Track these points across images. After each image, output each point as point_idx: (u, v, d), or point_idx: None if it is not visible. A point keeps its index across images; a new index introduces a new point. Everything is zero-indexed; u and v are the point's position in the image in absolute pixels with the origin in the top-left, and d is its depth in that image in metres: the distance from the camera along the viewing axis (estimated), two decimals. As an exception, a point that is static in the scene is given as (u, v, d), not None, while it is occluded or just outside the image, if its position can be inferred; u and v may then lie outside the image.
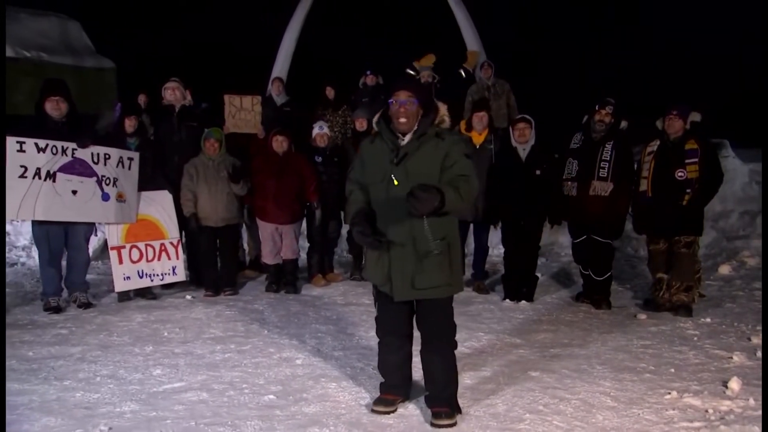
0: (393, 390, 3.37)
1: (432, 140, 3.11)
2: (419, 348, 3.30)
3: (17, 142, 4.89)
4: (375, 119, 3.25)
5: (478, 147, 5.80)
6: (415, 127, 3.12)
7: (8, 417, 3.22)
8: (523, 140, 5.49)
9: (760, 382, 3.68)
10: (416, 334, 3.34)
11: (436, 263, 3.10)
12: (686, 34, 12.06)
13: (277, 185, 5.84)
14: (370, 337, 4.54)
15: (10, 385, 3.63)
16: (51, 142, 5.01)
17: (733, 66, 12.15)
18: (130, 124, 5.67)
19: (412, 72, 8.29)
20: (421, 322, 3.25)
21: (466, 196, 3.00)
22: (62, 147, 5.07)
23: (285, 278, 6.03)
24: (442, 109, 3.19)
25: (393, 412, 3.32)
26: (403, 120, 3.09)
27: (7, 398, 3.44)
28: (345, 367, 3.98)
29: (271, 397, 3.51)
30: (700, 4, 11.98)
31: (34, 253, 6.21)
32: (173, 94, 6.02)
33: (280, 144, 5.94)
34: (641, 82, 12.19)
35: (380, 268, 3.18)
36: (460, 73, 8.60)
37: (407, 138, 3.12)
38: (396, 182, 3.08)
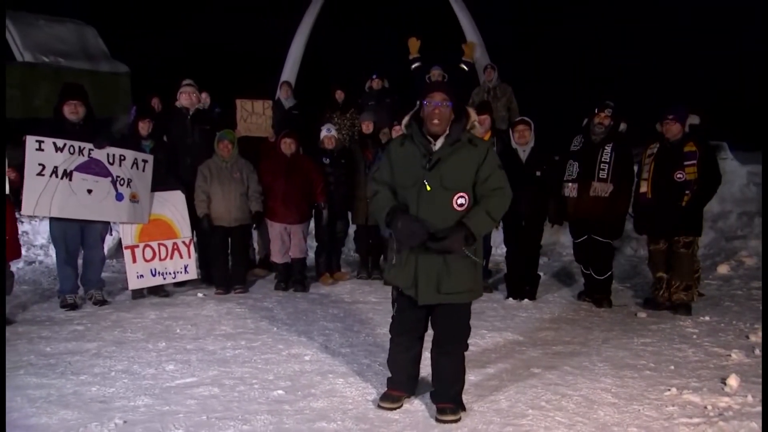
0: (399, 386, 3.37)
1: (465, 147, 3.05)
2: (428, 345, 3.30)
3: (36, 141, 4.93)
4: (405, 121, 3.16)
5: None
6: (447, 132, 3.06)
7: (27, 410, 3.26)
8: (523, 142, 5.47)
9: (758, 379, 3.66)
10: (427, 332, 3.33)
11: (463, 268, 3.07)
12: (686, 36, 11.99)
13: (286, 186, 5.85)
14: (376, 334, 4.55)
15: (29, 379, 3.67)
16: (69, 142, 5.04)
17: (733, 68, 12.07)
18: (143, 127, 5.68)
19: (417, 64, 8.22)
20: (438, 323, 3.22)
21: (496, 213, 3.05)
22: (79, 147, 5.10)
23: (293, 277, 6.04)
24: (473, 114, 3.13)
25: (399, 407, 3.32)
26: (436, 121, 3.02)
27: (26, 392, 3.48)
28: (352, 363, 3.98)
29: (280, 392, 3.52)
30: (699, 6, 11.91)
31: (52, 251, 6.24)
32: (188, 98, 6.03)
33: (288, 146, 5.95)
34: (641, 84, 12.13)
35: (406, 272, 3.13)
36: (463, 68, 8.53)
37: (439, 143, 3.06)
38: (428, 188, 3.01)
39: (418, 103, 3.14)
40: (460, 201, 3.03)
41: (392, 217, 3.06)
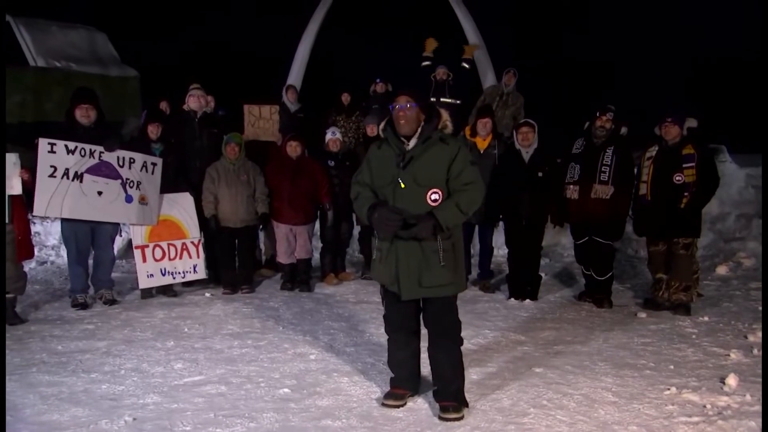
0: (402, 384, 3.37)
1: (437, 144, 3.13)
2: (427, 344, 3.30)
3: (48, 143, 4.95)
4: (381, 126, 3.26)
5: (482, 152, 5.80)
6: (419, 132, 3.13)
7: (40, 407, 3.27)
8: (527, 144, 5.46)
9: (757, 379, 3.65)
10: (424, 331, 3.33)
11: (444, 261, 3.09)
12: (684, 41, 11.97)
13: (291, 188, 5.85)
14: (380, 333, 4.52)
15: (42, 377, 3.68)
16: (80, 145, 5.06)
17: (730, 73, 12.02)
18: (153, 131, 5.70)
19: (427, 63, 8.22)
20: (428, 320, 3.25)
21: (467, 207, 3.08)
22: (90, 150, 5.12)
23: (299, 277, 6.04)
24: (445, 115, 3.22)
25: (402, 405, 3.31)
26: (403, 122, 3.11)
27: (39, 389, 3.50)
28: (356, 362, 3.98)
29: (286, 390, 3.52)
30: (699, 11, 11.87)
31: (63, 252, 6.26)
32: (197, 101, 6.04)
33: (294, 149, 5.96)
34: (640, 87, 12.10)
35: (387, 268, 3.17)
36: (464, 67, 8.48)
37: (412, 143, 3.14)
38: (403, 185, 3.08)
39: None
40: (434, 197, 3.08)
41: (372, 212, 3.13)
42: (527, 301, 5.52)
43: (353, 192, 3.33)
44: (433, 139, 3.13)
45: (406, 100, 3.12)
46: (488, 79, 9.66)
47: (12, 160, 4.69)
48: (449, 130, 3.23)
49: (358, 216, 3.38)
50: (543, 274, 6.00)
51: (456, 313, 3.25)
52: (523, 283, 5.62)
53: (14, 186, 4.68)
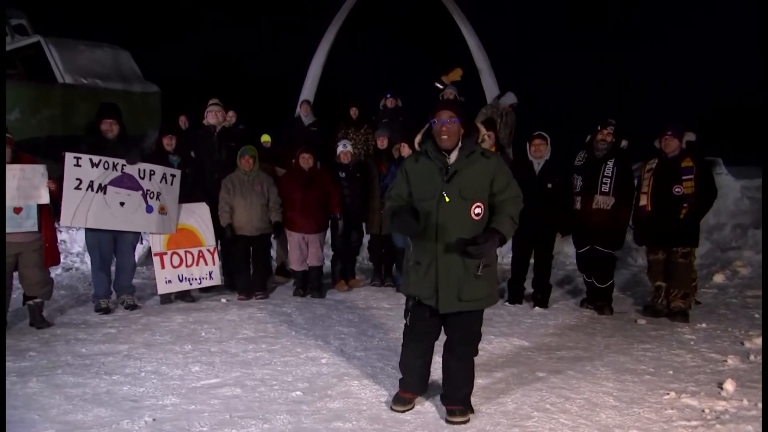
0: (411, 388, 3.36)
1: (479, 159, 3.07)
2: (438, 350, 3.29)
3: (74, 157, 5.02)
4: (418, 139, 3.18)
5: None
6: (460, 145, 3.07)
7: (65, 407, 3.30)
8: (539, 156, 5.43)
9: (754, 384, 3.62)
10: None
11: (483, 276, 3.07)
12: (684, 54, 11.97)
13: (304, 198, 5.87)
14: (389, 338, 4.54)
15: (66, 378, 3.71)
16: (104, 158, 5.12)
17: (728, 88, 11.98)
18: (168, 143, 5.75)
19: (439, 86, 8.24)
20: (452, 328, 3.19)
21: (517, 218, 3.09)
22: (113, 163, 5.18)
23: (311, 283, 6.05)
24: (483, 129, 3.20)
25: (410, 409, 3.30)
26: (445, 137, 3.03)
27: (64, 390, 3.53)
28: (366, 366, 3.98)
29: (299, 393, 3.52)
30: (697, 27, 11.86)
31: (87, 259, 6.31)
32: (215, 116, 6.10)
33: (306, 161, 5.99)
34: (641, 102, 12.08)
35: (428, 281, 3.09)
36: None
37: (454, 156, 3.07)
38: (447, 199, 3.02)
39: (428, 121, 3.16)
40: (477, 210, 3.04)
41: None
42: (536, 308, 5.48)
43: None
44: (476, 154, 3.08)
45: (449, 115, 3.03)
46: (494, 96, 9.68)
47: (40, 171, 4.76)
48: (486, 144, 3.21)
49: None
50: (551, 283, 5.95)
51: (481, 325, 3.20)
52: (522, 288, 5.61)
53: (42, 195, 4.75)
